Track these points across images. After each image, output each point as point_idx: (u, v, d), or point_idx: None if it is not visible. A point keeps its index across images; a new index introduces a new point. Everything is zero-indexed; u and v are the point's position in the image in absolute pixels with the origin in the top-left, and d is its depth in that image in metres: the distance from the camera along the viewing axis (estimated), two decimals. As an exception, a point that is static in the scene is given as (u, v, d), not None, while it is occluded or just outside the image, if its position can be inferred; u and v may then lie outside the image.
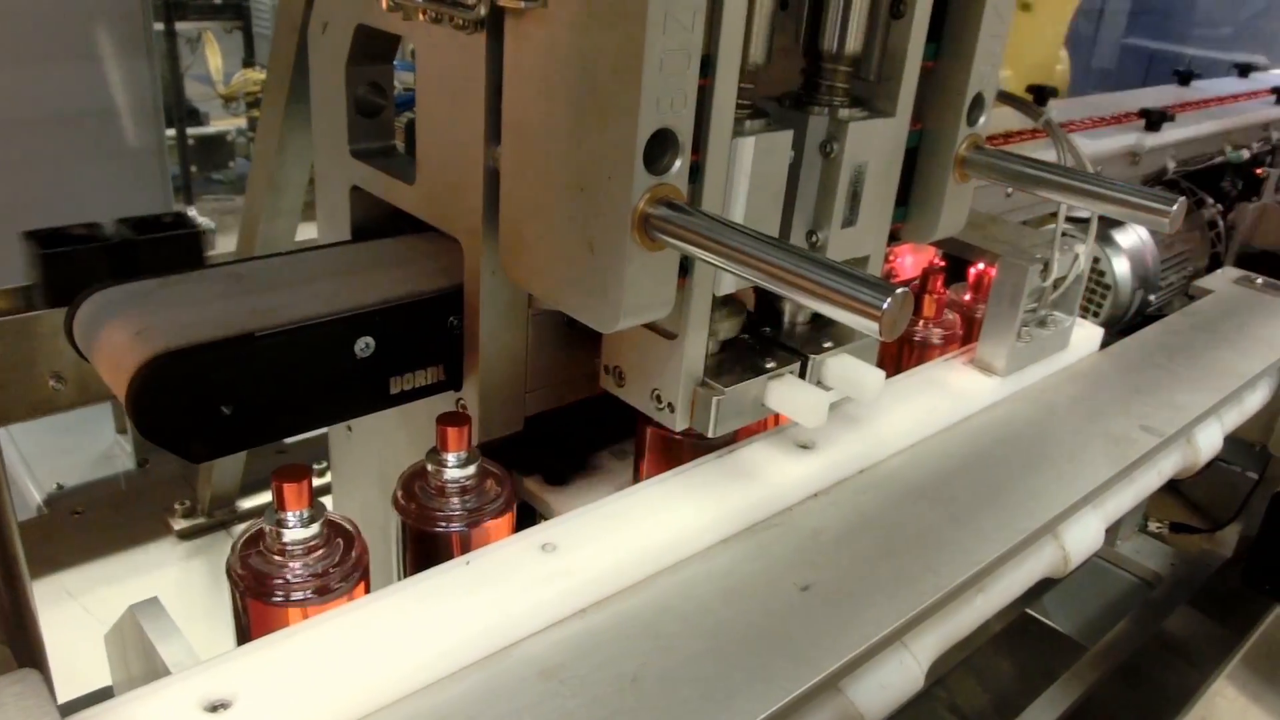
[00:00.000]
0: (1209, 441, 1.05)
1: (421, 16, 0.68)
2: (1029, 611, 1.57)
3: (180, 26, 4.30)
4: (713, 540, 0.70)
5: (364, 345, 0.71)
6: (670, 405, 0.71)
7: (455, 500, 0.68)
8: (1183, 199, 0.73)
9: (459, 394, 0.78)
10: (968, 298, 1.04)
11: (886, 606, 0.65)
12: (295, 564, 0.62)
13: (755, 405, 0.73)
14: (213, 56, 4.41)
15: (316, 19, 0.82)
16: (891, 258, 1.01)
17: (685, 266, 0.66)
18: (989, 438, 0.87)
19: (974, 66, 0.78)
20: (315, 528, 0.62)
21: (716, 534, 0.71)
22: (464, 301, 0.75)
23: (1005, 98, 0.96)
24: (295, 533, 0.61)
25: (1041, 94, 1.55)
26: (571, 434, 0.85)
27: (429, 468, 0.68)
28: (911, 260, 1.06)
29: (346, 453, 0.96)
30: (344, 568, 0.62)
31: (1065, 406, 0.94)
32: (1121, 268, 1.59)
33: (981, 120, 0.81)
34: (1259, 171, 1.85)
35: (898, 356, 0.99)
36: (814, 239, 0.75)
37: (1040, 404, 0.94)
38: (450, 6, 0.64)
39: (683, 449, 0.78)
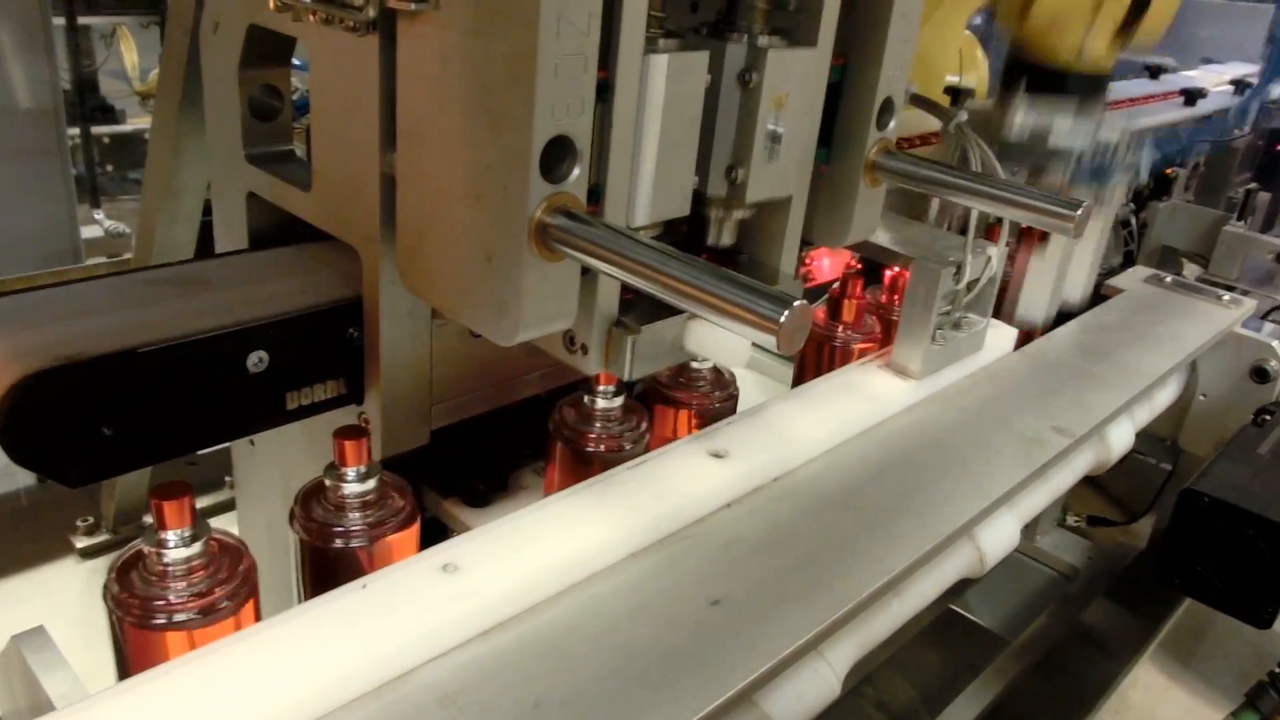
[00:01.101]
0: (1120, 439, 1.07)
1: (312, 18, 0.65)
2: (953, 607, 1.59)
3: (94, 21, 4.16)
4: (622, 554, 0.69)
5: (257, 360, 0.68)
6: (584, 347, 0.67)
7: (356, 515, 0.65)
8: (1088, 204, 0.74)
9: (361, 408, 0.76)
10: (884, 299, 1.05)
11: (797, 619, 0.64)
12: (179, 584, 0.59)
13: (674, 348, 0.70)
14: (128, 52, 4.27)
15: (208, 18, 0.79)
16: (808, 260, 1.00)
17: (598, 195, 0.63)
18: (904, 442, 0.87)
19: (882, 71, 0.78)
20: (198, 546, 0.59)
21: (626, 548, 0.69)
22: (363, 312, 0.72)
23: (917, 100, 0.97)
24: (177, 552, 0.58)
25: (958, 95, 1.56)
26: (490, 452, 0.83)
27: (327, 483, 0.65)
28: (829, 263, 1.05)
29: (250, 467, 0.93)
30: (230, 585, 0.60)
31: (979, 408, 0.94)
32: (1039, 267, 1.61)
33: (891, 125, 0.81)
34: (1169, 171, 1.90)
35: (817, 362, 0.99)
36: (734, 175, 0.73)
37: (955, 406, 0.94)
38: (339, 8, 0.61)
39: (593, 463, 0.77)
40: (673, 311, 0.68)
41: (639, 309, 0.68)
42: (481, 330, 0.62)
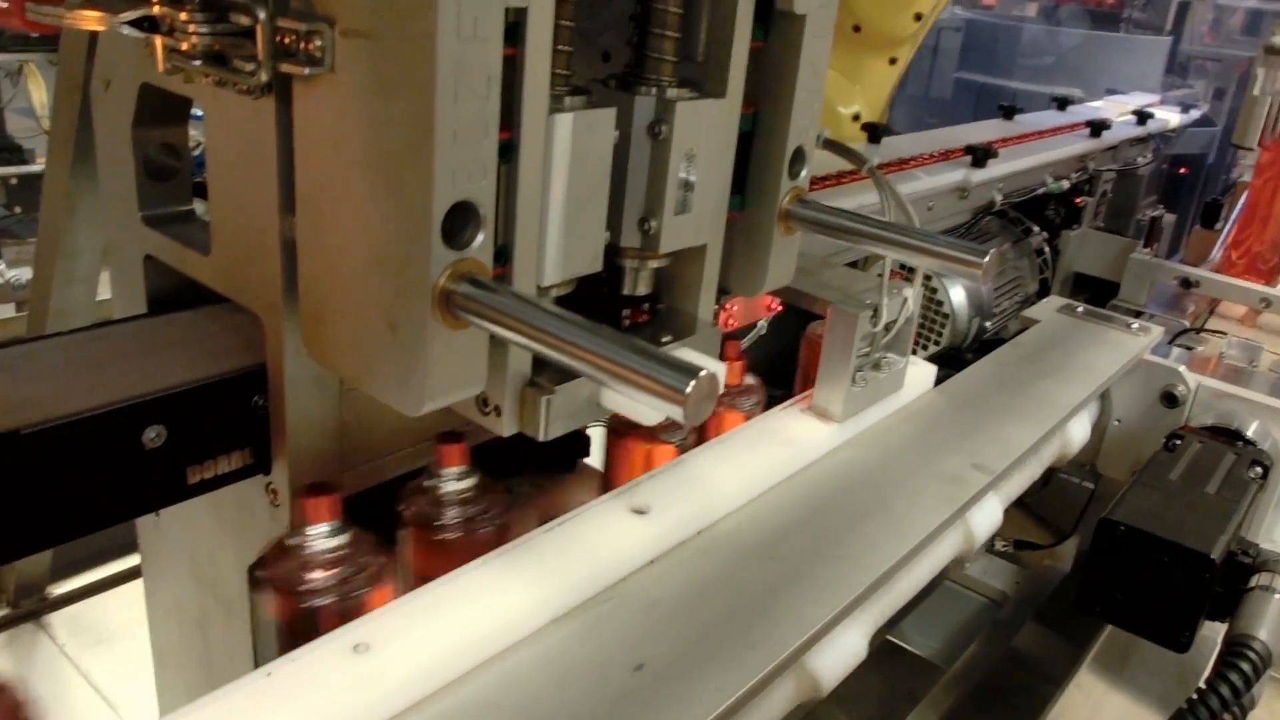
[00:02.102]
0: (1039, 469, 1.09)
1: (204, 79, 0.63)
2: (889, 638, 1.60)
3: (-2, 58, 4.02)
4: (543, 621, 0.67)
5: (154, 435, 0.65)
6: (497, 409, 0.66)
7: (328, 572, 0.63)
8: (994, 251, 0.75)
9: (269, 478, 0.73)
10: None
11: (721, 681, 0.63)
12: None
13: (590, 405, 0.69)
14: (35, 90, 4.12)
15: (98, 76, 0.76)
16: (727, 306, 1.00)
17: (506, 256, 0.62)
18: (827, 487, 0.87)
19: (792, 122, 0.78)
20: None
21: (547, 614, 0.67)
22: (268, 379, 0.70)
23: (830, 145, 0.98)
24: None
25: (876, 131, 1.59)
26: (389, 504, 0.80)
27: (292, 541, 0.63)
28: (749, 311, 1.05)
29: (156, 540, 0.89)
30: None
31: (900, 449, 0.95)
32: (958, 297, 1.64)
33: (803, 173, 0.82)
34: (1078, 201, 1.96)
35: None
36: (647, 227, 0.73)
37: (876, 447, 0.95)
38: (230, 72, 0.59)
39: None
40: None
41: (553, 367, 0.66)
42: (387, 401, 0.60)
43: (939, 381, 1.10)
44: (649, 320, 0.77)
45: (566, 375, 0.67)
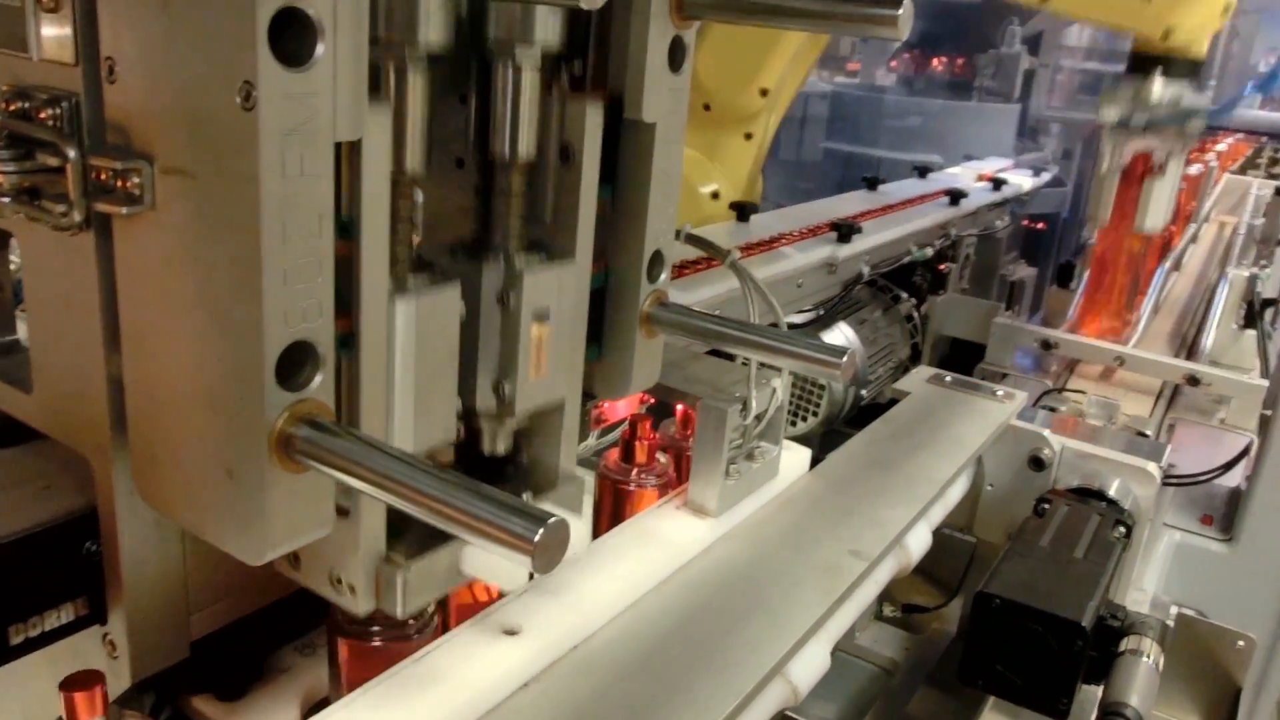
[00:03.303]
0: (918, 545, 1.11)
1: (15, 214, 0.59)
2: (788, 714, 1.59)
3: None
4: (410, 765, 0.64)
5: (-34, 596, 0.60)
6: (351, 588, 0.63)
7: None
8: (852, 350, 0.77)
9: (105, 628, 0.68)
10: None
11: (596, 818, 0.61)
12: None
13: (450, 573, 0.66)
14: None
15: (-94, 202, 0.71)
16: (599, 405, 1.00)
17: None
18: (704, 587, 0.86)
19: (648, 227, 0.78)
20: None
21: (414, 757, 0.64)
22: (100, 524, 0.65)
23: (692, 240, 0.99)
24: None
25: (744, 210, 1.63)
26: (245, 637, 0.76)
27: None
28: (623, 403, 1.05)
29: (-15, 694, 0.81)
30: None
31: (777, 540, 0.95)
32: (834, 367, 1.67)
33: (663, 277, 0.82)
34: (942, 267, 2.05)
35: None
36: (501, 391, 0.71)
37: (753, 541, 0.94)
38: (41, 210, 0.56)
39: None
40: (445, 537, 0.65)
41: (408, 539, 0.65)
42: (227, 549, 0.56)
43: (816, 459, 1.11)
44: (511, 475, 0.76)
45: (421, 549, 0.65)
